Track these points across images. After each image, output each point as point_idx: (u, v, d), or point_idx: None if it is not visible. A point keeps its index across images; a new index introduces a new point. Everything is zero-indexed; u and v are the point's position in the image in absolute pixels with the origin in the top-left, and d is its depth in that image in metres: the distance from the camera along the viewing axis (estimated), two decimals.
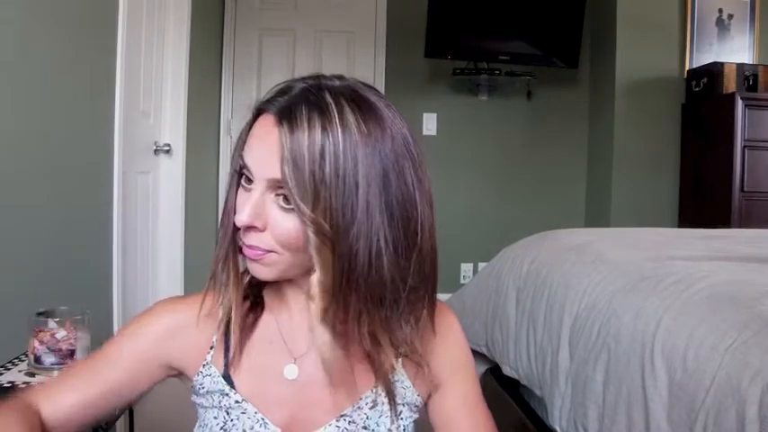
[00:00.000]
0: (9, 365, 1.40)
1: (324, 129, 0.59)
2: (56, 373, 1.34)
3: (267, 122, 0.63)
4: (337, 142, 0.59)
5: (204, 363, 0.72)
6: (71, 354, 1.36)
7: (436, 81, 3.88)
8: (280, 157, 0.60)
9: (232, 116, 3.78)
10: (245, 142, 0.65)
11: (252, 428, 0.69)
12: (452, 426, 0.76)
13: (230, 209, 0.67)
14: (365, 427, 0.70)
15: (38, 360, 1.34)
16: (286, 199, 0.62)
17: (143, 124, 2.58)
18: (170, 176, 2.84)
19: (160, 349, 0.72)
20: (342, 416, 0.70)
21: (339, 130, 0.60)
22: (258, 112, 0.65)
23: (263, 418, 0.69)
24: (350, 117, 0.61)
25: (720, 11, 3.68)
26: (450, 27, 3.61)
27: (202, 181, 3.30)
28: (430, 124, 3.90)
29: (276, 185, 0.62)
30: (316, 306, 0.61)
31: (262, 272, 0.66)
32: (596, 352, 1.29)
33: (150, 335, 0.72)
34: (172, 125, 2.84)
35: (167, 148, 2.78)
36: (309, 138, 0.59)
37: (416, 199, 0.63)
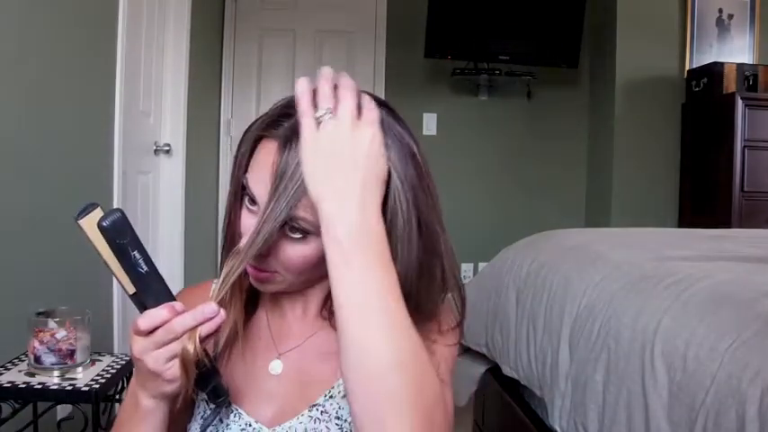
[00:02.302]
0: (9, 365, 1.41)
1: None
2: (56, 372, 1.35)
3: (270, 150, 0.62)
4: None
5: None
6: (71, 354, 1.36)
7: (436, 81, 3.88)
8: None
9: (232, 116, 3.78)
10: (247, 165, 0.65)
11: (228, 417, 0.70)
12: None
13: (235, 230, 0.67)
14: (338, 417, 0.70)
15: (38, 360, 1.34)
16: (292, 228, 0.62)
17: (143, 124, 2.58)
18: (170, 176, 2.84)
19: None
20: (314, 405, 0.70)
21: None
22: (262, 135, 0.64)
23: (236, 409, 0.70)
24: None
25: (720, 11, 3.68)
26: (449, 27, 3.61)
27: (202, 181, 3.30)
28: (430, 124, 3.90)
29: None
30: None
31: (267, 288, 0.69)
32: (596, 352, 1.29)
33: None
34: (172, 125, 2.84)
35: (167, 148, 2.78)
36: (299, 170, 0.58)
37: (433, 220, 0.64)
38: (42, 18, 1.65)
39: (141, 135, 2.56)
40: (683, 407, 1.01)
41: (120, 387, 1.49)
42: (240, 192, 0.66)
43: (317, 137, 0.57)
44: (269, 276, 0.66)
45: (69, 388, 1.30)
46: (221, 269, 0.67)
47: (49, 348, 1.34)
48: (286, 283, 0.67)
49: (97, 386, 1.32)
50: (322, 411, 0.70)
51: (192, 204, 3.00)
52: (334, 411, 0.70)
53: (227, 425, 0.70)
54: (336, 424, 0.70)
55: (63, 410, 1.63)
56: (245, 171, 0.65)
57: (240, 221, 0.66)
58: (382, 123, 0.61)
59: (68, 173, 1.81)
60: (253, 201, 0.64)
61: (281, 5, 3.84)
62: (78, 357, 1.37)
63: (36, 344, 1.33)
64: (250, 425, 0.70)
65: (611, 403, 1.21)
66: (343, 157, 0.56)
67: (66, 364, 1.35)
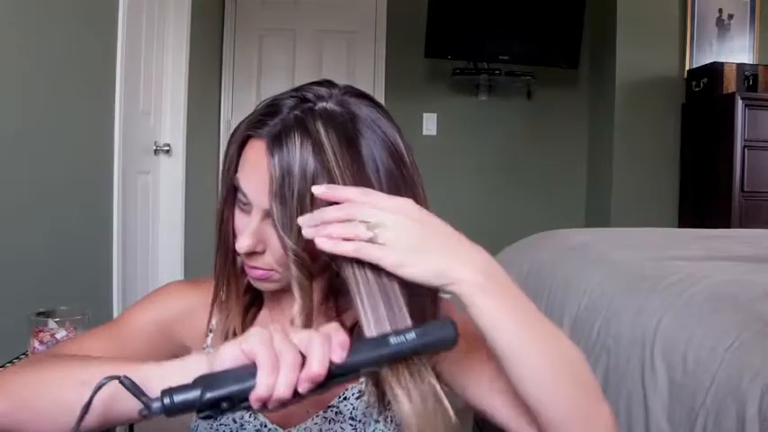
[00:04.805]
0: (9, 365, 1.41)
1: (314, 159, 0.58)
2: None
3: (259, 149, 0.61)
4: (332, 173, 0.58)
5: (204, 345, 0.74)
6: None
7: (436, 81, 3.88)
8: (269, 189, 0.59)
9: (232, 116, 3.78)
10: (237, 164, 0.65)
11: (242, 418, 0.70)
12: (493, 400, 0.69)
13: (228, 229, 0.68)
14: (352, 418, 0.70)
15: None
16: None
17: (143, 124, 2.58)
18: (170, 176, 2.84)
19: (176, 326, 0.74)
20: (328, 407, 0.70)
21: (331, 159, 0.58)
22: (249, 134, 0.64)
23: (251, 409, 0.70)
24: (342, 144, 0.59)
25: (720, 11, 3.68)
26: (450, 27, 3.61)
27: (202, 181, 3.29)
28: (430, 124, 3.90)
29: (269, 214, 0.62)
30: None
31: (265, 286, 0.69)
32: (596, 352, 1.29)
33: (171, 310, 0.74)
34: (172, 125, 2.84)
35: (167, 148, 2.78)
36: (299, 170, 0.58)
37: None
38: (42, 18, 1.65)
39: (141, 135, 2.56)
40: (683, 407, 1.01)
41: None
42: (232, 192, 0.66)
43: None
44: (264, 274, 0.66)
45: None
46: (215, 268, 0.70)
47: (49, 348, 1.33)
48: (285, 280, 0.67)
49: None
50: (336, 412, 0.70)
51: (192, 204, 3.00)
52: (349, 412, 0.70)
53: (242, 425, 0.70)
54: (351, 425, 0.70)
55: None
56: (236, 171, 0.65)
57: (234, 221, 0.67)
58: (360, 117, 0.61)
59: (68, 173, 1.81)
60: (246, 202, 0.64)
61: (281, 5, 3.83)
62: None
63: (36, 344, 1.33)
64: (265, 425, 0.70)
65: (611, 403, 1.21)
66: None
67: None
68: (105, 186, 2.08)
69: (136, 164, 2.45)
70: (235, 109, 3.80)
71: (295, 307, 0.61)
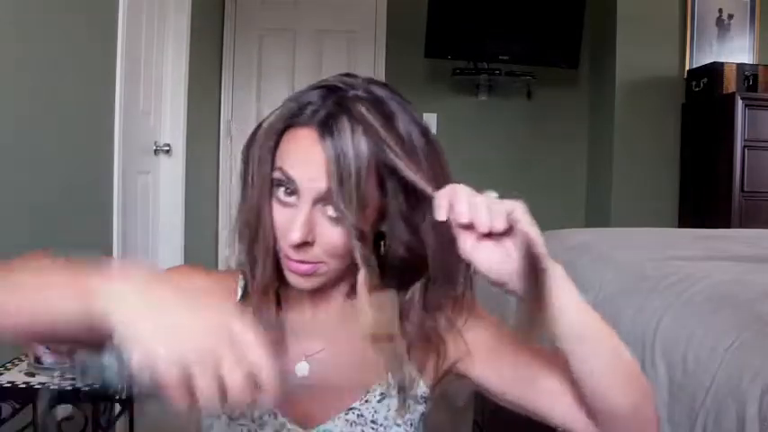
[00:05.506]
0: (9, 365, 1.41)
1: (365, 138, 0.62)
2: (56, 372, 1.35)
3: (306, 136, 0.63)
4: (385, 150, 0.62)
5: None
6: (71, 354, 1.36)
7: (436, 81, 3.88)
8: (326, 171, 0.61)
9: (232, 116, 3.78)
10: (274, 155, 0.65)
11: (261, 418, 0.69)
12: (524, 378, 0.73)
13: (267, 227, 0.66)
14: (373, 421, 0.70)
15: (38, 360, 1.34)
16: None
17: (143, 124, 2.58)
18: (170, 176, 2.84)
19: None
20: (350, 409, 0.70)
21: (383, 135, 0.62)
22: (286, 126, 0.65)
23: (271, 410, 0.69)
24: (386, 123, 0.63)
25: (720, 11, 3.68)
26: (450, 27, 3.61)
27: (202, 181, 3.30)
28: (430, 124, 3.89)
29: (325, 197, 0.63)
30: (363, 300, 0.65)
31: (306, 283, 0.67)
32: None
33: (186, 284, 0.71)
34: (172, 125, 2.84)
35: (167, 148, 2.78)
36: (354, 150, 0.61)
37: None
38: (42, 18, 1.65)
39: (141, 135, 2.56)
40: (683, 407, 1.01)
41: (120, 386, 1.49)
42: (268, 188, 0.66)
43: None
44: (312, 268, 0.65)
45: (69, 388, 1.30)
46: (252, 271, 0.68)
47: (48, 348, 1.34)
48: (329, 274, 0.67)
49: (97, 386, 1.32)
50: (358, 415, 0.70)
51: (192, 204, 3.00)
52: (370, 415, 0.70)
53: (261, 425, 0.69)
54: (372, 428, 0.70)
55: (63, 410, 1.63)
56: (272, 165, 0.65)
57: (273, 216, 0.66)
58: (388, 101, 0.65)
59: (69, 173, 1.81)
60: (291, 192, 0.64)
61: (281, 5, 3.83)
62: (77, 357, 1.37)
63: (36, 344, 1.33)
64: (285, 426, 0.69)
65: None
66: None
67: (65, 363, 1.35)
68: (105, 186, 2.08)
69: (136, 164, 2.45)
70: (235, 109, 3.80)
71: (360, 276, 0.64)
